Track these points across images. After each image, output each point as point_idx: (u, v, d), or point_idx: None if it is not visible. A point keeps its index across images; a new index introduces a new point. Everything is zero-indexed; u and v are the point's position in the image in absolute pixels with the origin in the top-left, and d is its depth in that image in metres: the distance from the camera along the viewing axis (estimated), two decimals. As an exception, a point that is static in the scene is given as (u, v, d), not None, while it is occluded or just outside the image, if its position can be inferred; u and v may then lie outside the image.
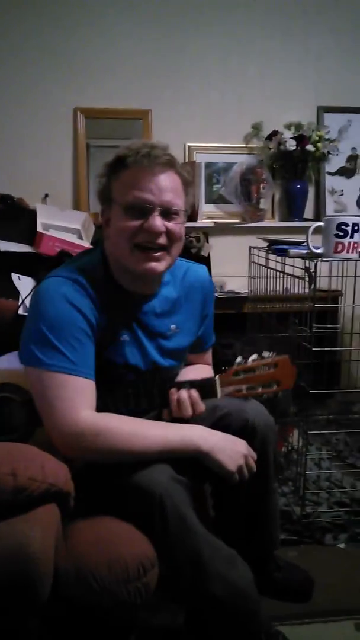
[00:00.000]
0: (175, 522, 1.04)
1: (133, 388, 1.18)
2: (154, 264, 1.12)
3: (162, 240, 1.11)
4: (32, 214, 1.97)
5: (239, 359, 1.20)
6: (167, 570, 1.05)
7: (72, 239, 1.92)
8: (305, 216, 2.70)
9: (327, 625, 1.36)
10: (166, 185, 1.10)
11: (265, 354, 1.20)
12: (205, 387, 1.19)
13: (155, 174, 1.09)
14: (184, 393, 1.16)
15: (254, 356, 1.20)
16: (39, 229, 1.86)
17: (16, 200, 2.05)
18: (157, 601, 1.07)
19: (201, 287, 1.31)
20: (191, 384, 1.18)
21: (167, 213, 1.11)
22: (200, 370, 1.37)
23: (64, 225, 1.98)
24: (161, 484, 1.05)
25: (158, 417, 1.19)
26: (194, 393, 1.17)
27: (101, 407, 1.11)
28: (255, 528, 1.32)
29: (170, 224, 1.11)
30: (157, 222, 1.09)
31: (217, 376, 1.19)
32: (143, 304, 1.21)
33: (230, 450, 1.11)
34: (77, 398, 1.06)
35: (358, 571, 1.53)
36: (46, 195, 2.48)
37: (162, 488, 1.04)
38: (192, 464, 1.14)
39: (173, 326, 1.26)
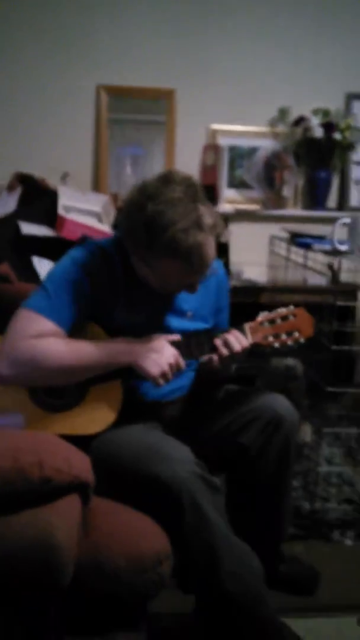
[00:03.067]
0: (192, 516, 1.07)
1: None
2: (177, 292, 1.26)
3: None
4: (53, 195, 1.95)
5: (262, 313, 1.31)
6: (180, 562, 1.07)
7: (93, 222, 1.91)
8: (328, 205, 2.66)
9: (330, 620, 1.39)
10: (209, 266, 1.18)
11: (283, 307, 1.31)
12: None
13: (202, 268, 1.17)
14: (226, 334, 1.24)
15: (276, 309, 1.32)
16: (60, 211, 1.84)
17: (38, 180, 2.02)
18: (168, 590, 1.10)
19: (215, 277, 1.36)
20: (224, 331, 1.27)
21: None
22: None
23: (85, 208, 1.96)
24: (181, 478, 1.07)
25: (205, 366, 1.29)
26: (234, 332, 1.25)
27: None
28: (267, 520, 1.35)
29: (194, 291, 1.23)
30: (197, 287, 1.22)
31: (246, 324, 1.28)
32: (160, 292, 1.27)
33: (154, 357, 1.16)
34: (32, 331, 1.15)
35: (364, 568, 1.56)
36: (66, 175, 2.45)
37: (182, 483, 1.06)
38: (209, 453, 1.18)
39: (189, 312, 1.31)
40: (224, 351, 1.22)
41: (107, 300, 1.22)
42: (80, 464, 0.95)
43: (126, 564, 0.97)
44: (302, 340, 1.29)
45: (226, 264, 2.52)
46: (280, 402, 1.31)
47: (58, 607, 0.95)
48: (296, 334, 1.29)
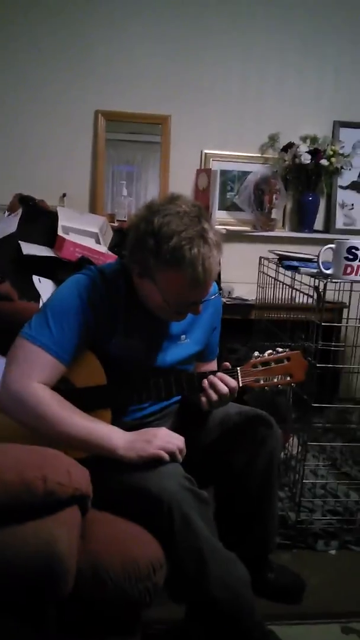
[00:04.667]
0: (181, 527, 1.11)
1: (155, 379, 1.27)
2: (182, 317, 1.26)
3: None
4: (53, 216, 2.02)
5: (256, 353, 1.31)
6: (171, 570, 1.12)
7: (91, 243, 1.98)
8: (315, 228, 2.77)
9: (316, 627, 1.44)
10: (212, 282, 1.20)
11: (279, 349, 1.32)
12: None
13: (207, 282, 1.17)
14: (213, 377, 1.26)
15: (269, 351, 1.32)
16: (60, 232, 1.91)
17: (38, 202, 2.10)
18: (161, 598, 1.15)
19: (212, 303, 1.38)
20: (215, 373, 1.28)
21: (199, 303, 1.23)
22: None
23: (83, 228, 2.04)
24: (170, 491, 1.11)
25: (190, 405, 1.31)
26: (222, 375, 1.26)
27: (129, 398, 1.25)
28: (254, 531, 1.40)
29: (197, 313, 1.24)
30: (200, 308, 1.23)
31: (238, 368, 1.29)
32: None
33: (139, 449, 1.15)
34: (37, 370, 1.16)
35: (347, 577, 1.62)
36: (64, 195, 2.54)
37: (171, 495, 1.10)
38: (198, 467, 1.22)
39: (183, 336, 1.34)
40: (213, 398, 1.24)
41: (107, 329, 1.23)
42: (80, 478, 1.00)
43: (122, 572, 1.03)
44: (292, 384, 1.31)
45: (217, 282, 2.61)
46: (263, 420, 1.35)
47: (58, 614, 1.01)
48: (288, 378, 1.30)
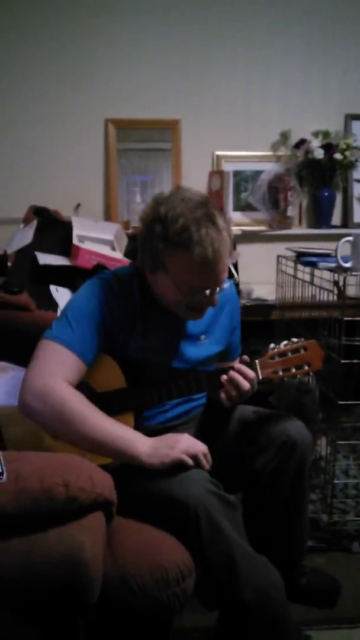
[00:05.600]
0: (209, 531, 1.09)
1: (178, 379, 1.27)
2: (199, 314, 1.26)
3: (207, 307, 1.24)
4: (67, 226, 2.03)
5: (272, 345, 1.31)
6: (201, 576, 1.10)
7: (106, 250, 1.98)
8: (332, 223, 2.73)
9: (353, 631, 1.39)
10: (224, 268, 1.19)
11: (294, 339, 1.31)
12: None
13: (218, 265, 1.15)
14: (232, 372, 1.25)
15: (285, 342, 1.31)
16: (75, 241, 1.92)
17: (52, 212, 2.12)
18: (191, 605, 1.13)
19: (229, 300, 1.38)
20: (234, 367, 1.26)
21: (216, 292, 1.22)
22: None
23: (98, 236, 2.04)
24: (195, 496, 1.09)
25: (212, 403, 1.32)
26: (240, 367, 1.25)
27: (154, 397, 1.24)
28: (285, 537, 1.36)
29: (214, 303, 1.23)
30: (216, 299, 1.22)
31: (257, 360, 1.28)
32: (176, 316, 1.28)
33: (162, 455, 1.13)
34: (61, 367, 1.15)
35: (385, 579, 1.57)
36: (78, 205, 2.55)
37: (197, 500, 1.09)
38: (224, 474, 1.20)
39: (202, 337, 1.33)
40: (233, 393, 1.24)
41: (125, 330, 1.24)
42: (103, 483, 1.00)
43: (151, 579, 1.01)
44: (311, 373, 1.30)
45: (236, 284, 2.59)
46: (293, 425, 1.31)
47: (85, 622, 0.99)
48: (306, 367, 1.29)
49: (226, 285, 1.35)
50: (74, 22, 2.55)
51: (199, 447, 1.16)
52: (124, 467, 1.18)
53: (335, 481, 1.74)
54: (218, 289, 1.20)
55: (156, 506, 1.12)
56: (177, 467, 1.13)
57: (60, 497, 0.92)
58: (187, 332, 1.31)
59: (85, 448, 1.14)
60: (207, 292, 1.18)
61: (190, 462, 1.13)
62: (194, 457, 1.14)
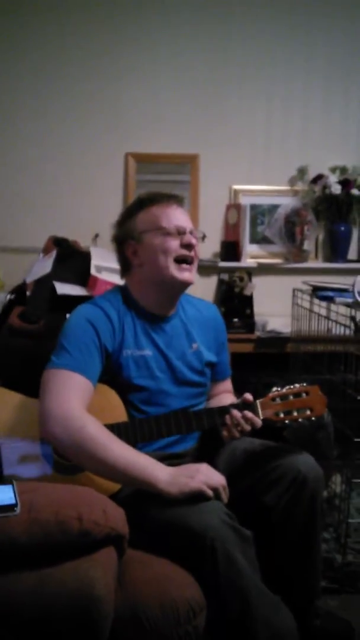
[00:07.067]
0: (225, 565, 1.07)
1: (175, 414, 1.29)
2: (188, 275, 1.34)
3: (193, 253, 1.34)
4: (86, 256, 2.07)
5: (274, 388, 1.32)
6: (213, 612, 1.08)
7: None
8: (349, 257, 2.74)
9: None
10: (186, 217, 1.37)
11: (297, 384, 1.32)
12: (248, 410, 1.28)
13: (177, 209, 1.35)
14: (236, 412, 1.27)
15: (288, 385, 1.32)
16: (93, 271, 1.95)
17: (71, 242, 2.16)
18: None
19: (213, 319, 1.49)
20: (235, 407, 1.29)
21: (192, 234, 1.35)
22: (229, 399, 1.47)
23: (115, 267, 2.06)
24: (213, 527, 1.08)
25: (213, 441, 1.33)
26: (247, 414, 1.27)
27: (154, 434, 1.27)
28: (298, 577, 1.33)
29: (194, 242, 1.35)
30: (193, 239, 1.34)
31: (258, 401, 1.30)
32: (164, 323, 1.38)
33: (182, 484, 1.13)
34: (73, 392, 1.20)
35: None
36: (97, 235, 2.60)
37: (214, 531, 1.07)
38: (239, 509, 1.18)
39: (195, 344, 1.41)
40: (235, 433, 1.27)
41: (117, 340, 1.31)
42: (117, 517, 0.99)
43: (161, 615, 0.99)
44: (313, 418, 1.30)
45: (250, 316, 2.60)
46: (303, 460, 1.30)
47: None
48: (308, 412, 1.29)
49: (210, 307, 1.51)
50: (97, 60, 2.64)
51: (219, 480, 1.17)
52: (134, 496, 1.19)
53: (350, 520, 1.71)
54: (188, 228, 1.32)
55: (169, 536, 1.11)
56: (194, 497, 1.13)
57: (73, 530, 0.92)
58: (179, 341, 1.38)
59: (104, 473, 1.16)
60: (177, 230, 1.31)
61: (210, 493, 1.14)
62: (214, 489, 1.14)
